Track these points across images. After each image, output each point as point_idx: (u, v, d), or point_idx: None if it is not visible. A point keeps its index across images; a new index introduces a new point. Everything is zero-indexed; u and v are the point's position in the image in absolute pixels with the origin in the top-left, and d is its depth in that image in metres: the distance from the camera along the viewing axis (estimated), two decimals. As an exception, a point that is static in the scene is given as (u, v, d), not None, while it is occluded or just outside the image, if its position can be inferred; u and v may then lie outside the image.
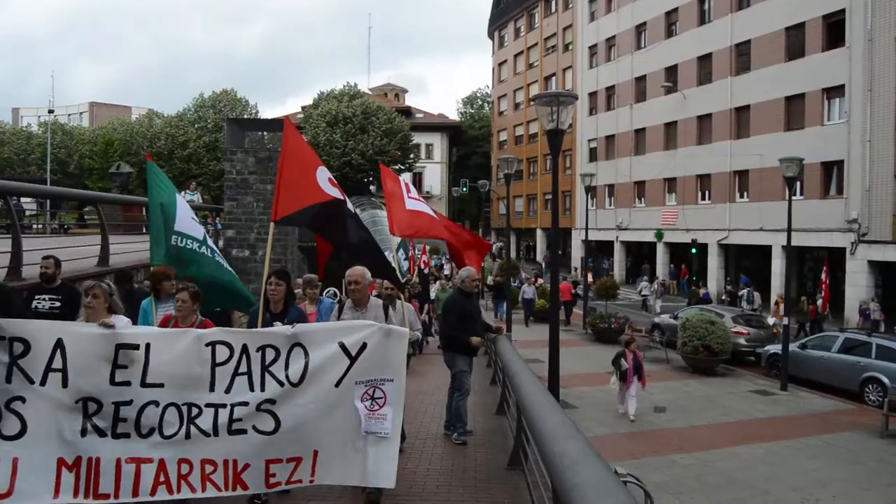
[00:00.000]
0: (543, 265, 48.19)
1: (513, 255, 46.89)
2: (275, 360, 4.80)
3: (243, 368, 4.78)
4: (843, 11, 27.95)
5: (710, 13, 36.26)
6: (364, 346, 4.85)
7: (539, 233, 56.60)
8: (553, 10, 53.99)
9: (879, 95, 26.17)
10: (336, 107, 52.84)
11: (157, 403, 4.68)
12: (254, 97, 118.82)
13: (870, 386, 16.03)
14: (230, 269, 6.96)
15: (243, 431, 4.69)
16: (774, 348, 19.01)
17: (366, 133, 52.22)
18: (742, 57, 33.84)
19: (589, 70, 47.75)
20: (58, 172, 56.14)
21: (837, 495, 10.07)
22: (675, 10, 38.87)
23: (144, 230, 17.56)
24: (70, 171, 58.62)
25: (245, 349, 4.80)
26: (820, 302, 25.06)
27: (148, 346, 4.73)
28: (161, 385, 4.71)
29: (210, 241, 6.81)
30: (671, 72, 38.88)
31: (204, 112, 55.40)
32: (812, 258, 32.36)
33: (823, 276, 25.71)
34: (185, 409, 4.71)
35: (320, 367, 4.80)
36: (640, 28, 42.29)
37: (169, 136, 53.38)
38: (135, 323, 5.90)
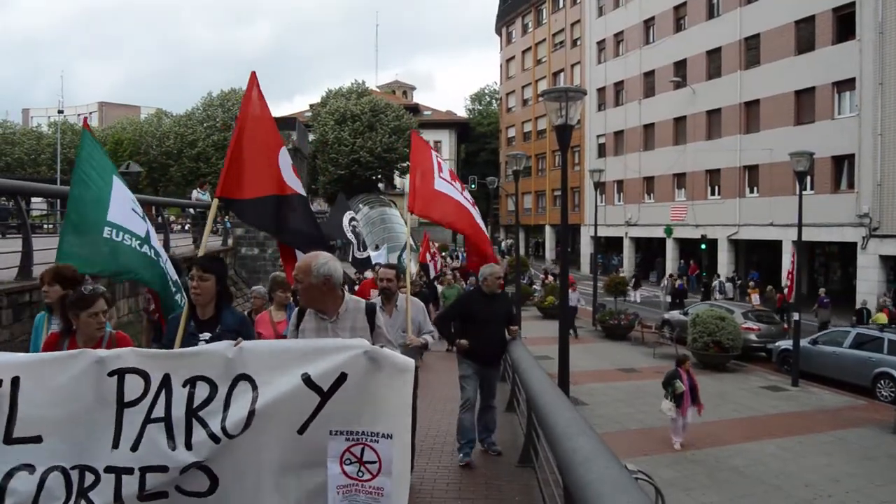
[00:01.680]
0: (549, 262, 48.09)
1: (522, 251, 46.77)
2: (208, 401, 3.21)
3: (159, 412, 3.20)
4: (853, 4, 27.75)
5: (719, 7, 36.07)
6: (342, 378, 3.18)
7: (548, 229, 56.52)
8: (561, 5, 53.83)
9: (890, 88, 25.98)
10: (344, 105, 52.91)
11: (31, 469, 3.12)
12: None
13: (882, 381, 15.94)
14: (176, 278, 5.58)
15: (162, 496, 3.18)
16: (785, 344, 18.92)
17: (374, 131, 52.29)
18: (751, 51, 33.65)
19: (597, 65, 47.60)
20: (68, 172, 56.33)
21: (850, 491, 10.02)
22: (684, 4, 38.69)
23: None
24: (80, 170, 58.85)
25: (167, 382, 3.25)
26: (786, 291, 25.08)
27: (15, 381, 3.17)
28: (37, 439, 3.16)
29: (155, 241, 5.49)
30: (680, 66, 38.71)
31: (212, 111, 55.59)
32: (823, 253, 32.19)
33: (791, 266, 25.32)
34: (74, 475, 3.14)
35: (274, 411, 3.18)
36: (648, 23, 42.11)
37: (178, 135, 53.61)
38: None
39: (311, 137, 53.23)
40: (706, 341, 18.61)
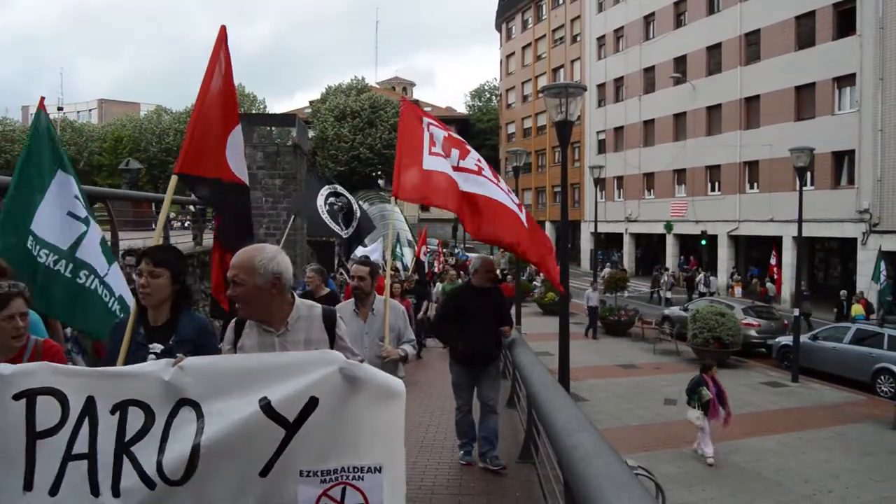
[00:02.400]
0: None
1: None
2: (142, 433, 2.53)
3: (82, 446, 2.52)
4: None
5: (719, 2, 36.02)
6: (312, 403, 2.49)
7: (548, 225, 56.41)
8: (561, 1, 53.73)
9: (891, 84, 25.95)
10: (344, 101, 52.90)
11: None
12: (261, 92, 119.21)
13: (882, 377, 15.96)
14: (122, 293, 4.69)
15: None
16: (786, 340, 18.94)
17: (374, 127, 52.29)
18: (751, 46, 33.61)
19: (597, 61, 47.54)
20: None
21: (850, 487, 10.03)
22: None
23: (153, 226, 17.61)
24: (80, 167, 58.85)
25: (91, 408, 2.56)
26: (770, 284, 29.46)
27: None
28: None
29: (88, 252, 4.56)
30: (680, 62, 38.67)
31: (212, 107, 55.48)
32: (823, 249, 32.19)
33: (773, 260, 30.04)
34: None
35: (225, 447, 2.49)
36: (648, 18, 42.06)
37: (178, 131, 53.57)
38: None
39: (310, 134, 53.18)
40: (706, 337, 18.61)
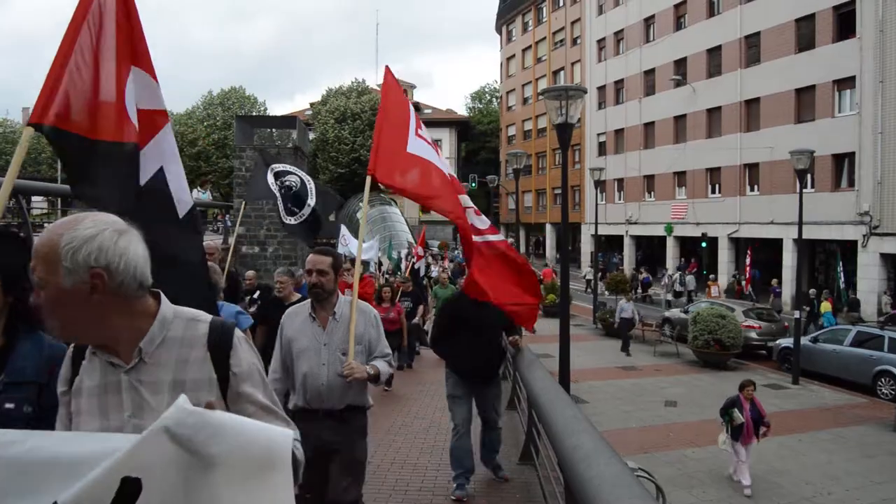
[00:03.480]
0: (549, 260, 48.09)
1: (522, 250, 46.79)
2: None
3: None
4: (853, 2, 27.72)
5: (719, 5, 36.04)
6: (129, 490, 1.33)
7: (549, 228, 56.50)
8: (561, 3, 53.80)
9: (891, 86, 25.95)
10: (344, 103, 52.94)
11: None
12: (262, 94, 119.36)
13: (882, 379, 15.96)
14: None
15: None
16: (786, 342, 18.93)
17: (374, 129, 52.28)
18: (751, 49, 33.62)
19: (597, 64, 47.56)
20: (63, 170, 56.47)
21: (850, 489, 10.03)
22: (684, 2, 38.65)
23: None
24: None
25: None
26: (744, 283, 30.83)
27: None
28: None
29: None
30: (680, 65, 38.69)
31: (213, 110, 55.63)
32: (824, 251, 32.18)
33: (748, 260, 30.98)
34: None
35: None
36: (648, 21, 42.08)
37: (178, 133, 53.55)
38: None
39: (311, 136, 53.28)
40: (707, 339, 18.62)
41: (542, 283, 25.45)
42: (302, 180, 9.05)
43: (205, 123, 54.54)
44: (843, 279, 24.05)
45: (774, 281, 29.17)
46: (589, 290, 32.54)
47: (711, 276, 34.29)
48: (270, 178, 8.90)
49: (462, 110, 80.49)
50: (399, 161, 4.77)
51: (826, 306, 23.84)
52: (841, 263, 23.79)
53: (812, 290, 26.22)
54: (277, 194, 8.79)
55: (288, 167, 9.25)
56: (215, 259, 6.30)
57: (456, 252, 48.65)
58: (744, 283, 30.73)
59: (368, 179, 4.45)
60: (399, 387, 11.58)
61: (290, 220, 8.79)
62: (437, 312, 7.95)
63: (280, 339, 4.18)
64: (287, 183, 8.85)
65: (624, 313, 21.37)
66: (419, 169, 4.87)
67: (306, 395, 4.00)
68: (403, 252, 26.93)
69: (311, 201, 8.79)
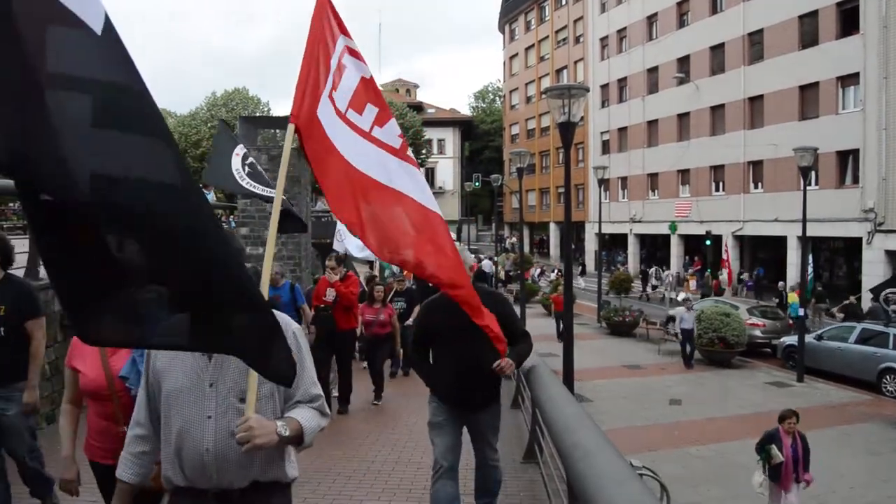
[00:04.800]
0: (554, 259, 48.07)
1: (526, 249, 46.80)
2: None
3: None
4: (857, -2, 27.69)
5: (722, 2, 36.00)
6: None
7: (552, 226, 56.50)
8: (563, 2, 53.78)
9: (895, 82, 25.89)
10: (347, 103, 52.91)
11: None
12: (265, 95, 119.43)
13: (887, 377, 15.92)
14: None
15: None
16: (791, 340, 18.91)
17: (377, 129, 52.30)
18: (755, 46, 33.58)
19: (600, 62, 47.54)
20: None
21: (855, 486, 10.02)
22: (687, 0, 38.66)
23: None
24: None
25: None
26: (724, 277, 31.20)
27: None
28: None
29: None
30: (683, 62, 38.65)
31: (216, 111, 55.68)
32: (828, 248, 32.13)
33: (725, 255, 31.81)
34: None
35: None
36: (651, 19, 42.05)
37: (182, 134, 53.65)
38: None
39: (314, 136, 53.30)
40: (711, 337, 18.61)
41: (552, 307, 23.75)
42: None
43: (208, 125, 54.56)
44: (811, 272, 24.53)
45: (746, 275, 31.51)
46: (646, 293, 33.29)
47: (690, 271, 35.79)
48: (237, 163, 7.86)
49: (465, 109, 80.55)
50: (313, 121, 3.18)
51: (793, 297, 24.46)
52: (811, 256, 24.29)
53: (781, 283, 28.27)
54: (244, 179, 7.86)
55: (258, 170, 8.26)
56: None
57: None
58: (722, 277, 31.58)
59: (291, 128, 2.96)
60: (391, 397, 10.48)
61: (259, 189, 7.89)
62: (414, 320, 6.27)
63: (147, 369, 2.59)
64: (259, 166, 8.25)
65: (684, 323, 18.73)
66: (325, 139, 3.23)
67: (184, 466, 2.43)
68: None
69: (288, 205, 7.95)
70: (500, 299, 4.97)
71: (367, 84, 3.61)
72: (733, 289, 32.26)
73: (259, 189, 7.87)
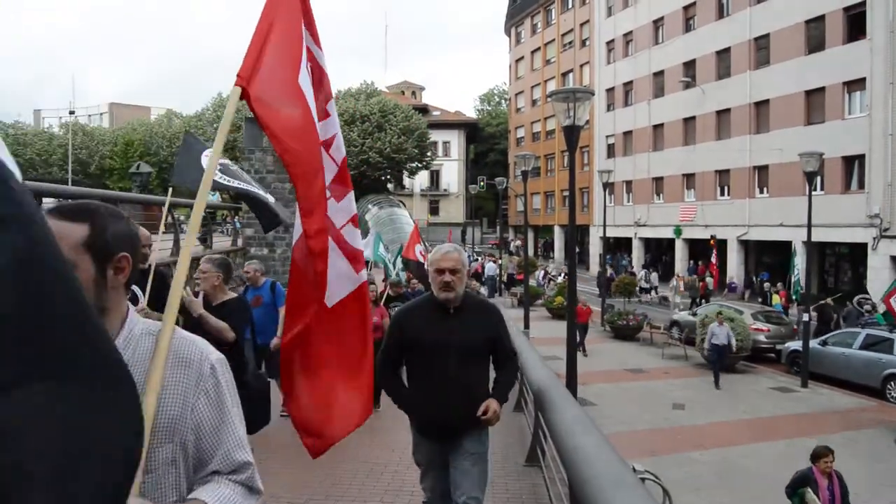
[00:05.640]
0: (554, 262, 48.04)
1: (531, 252, 46.80)
2: None
3: None
4: (863, 3, 27.60)
5: (729, 7, 35.97)
6: None
7: (557, 229, 56.46)
8: (570, 5, 53.79)
9: (901, 88, 25.83)
10: (353, 105, 53.05)
11: None
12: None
13: (892, 383, 15.85)
14: None
15: None
16: (795, 345, 18.86)
17: (383, 131, 52.43)
18: (761, 51, 33.52)
19: (606, 66, 47.51)
20: (79, 173, 56.89)
21: (859, 492, 9.97)
22: (693, 4, 38.58)
23: (164, 229, 17.75)
24: (91, 171, 59.37)
25: None
26: (710, 280, 31.76)
27: None
28: None
29: None
30: (689, 66, 38.61)
31: (223, 112, 55.88)
32: (833, 254, 32.05)
33: (713, 259, 32.05)
34: None
35: None
36: (657, 23, 42.02)
37: (188, 135, 53.88)
38: None
39: (320, 138, 53.37)
40: (715, 342, 18.54)
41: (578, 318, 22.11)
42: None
43: (214, 125, 54.75)
44: (798, 272, 25.77)
45: (731, 276, 32.61)
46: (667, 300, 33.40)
47: (679, 274, 36.34)
48: (205, 162, 7.06)
49: (471, 112, 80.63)
50: (286, 89, 2.83)
51: (776, 299, 26.82)
52: (796, 258, 25.71)
53: (766, 284, 29.30)
54: (216, 177, 6.72)
55: (237, 172, 7.79)
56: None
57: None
58: (709, 279, 32.07)
59: (236, 91, 2.51)
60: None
61: (266, 197, 7.42)
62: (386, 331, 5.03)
63: None
64: (234, 167, 7.77)
65: (716, 339, 17.28)
66: (301, 111, 2.86)
67: None
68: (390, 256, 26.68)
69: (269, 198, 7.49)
70: (492, 311, 4.21)
71: (319, 69, 3.27)
72: (719, 291, 32.84)
73: (235, 183, 7.33)
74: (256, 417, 4.89)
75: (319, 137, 3.03)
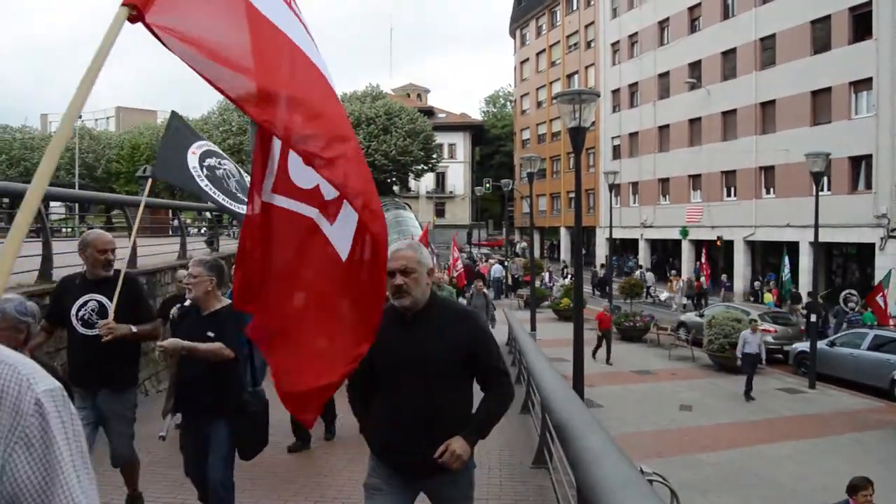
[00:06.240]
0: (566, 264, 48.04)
1: (537, 253, 46.77)
2: None
3: None
4: (869, 3, 27.52)
5: (734, 7, 35.90)
6: None
7: (563, 231, 56.41)
8: (575, 7, 53.79)
9: (908, 88, 25.75)
10: (359, 108, 53.11)
11: None
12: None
13: (901, 383, 15.81)
14: None
15: None
16: (802, 346, 18.82)
17: (389, 134, 52.48)
18: (767, 51, 33.45)
19: (612, 67, 47.49)
20: (86, 177, 57.12)
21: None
22: (698, 4, 38.53)
23: (171, 232, 17.81)
24: (97, 175, 59.59)
25: None
26: (703, 279, 33.13)
27: None
28: None
29: None
30: (695, 67, 38.55)
31: (228, 115, 55.95)
32: (841, 254, 31.94)
33: (703, 258, 34.02)
34: None
35: None
36: (662, 24, 41.98)
37: (194, 139, 54.00)
38: None
39: (325, 141, 53.42)
40: (722, 343, 18.54)
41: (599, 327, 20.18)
42: (237, 170, 7.34)
43: (220, 129, 54.86)
44: (786, 273, 27.71)
45: (724, 276, 33.77)
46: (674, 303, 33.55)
47: (673, 272, 37.42)
48: (193, 161, 6.77)
49: (476, 114, 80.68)
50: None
51: (768, 297, 28.56)
52: (787, 258, 27.40)
53: (757, 283, 30.60)
54: (202, 180, 6.76)
55: (212, 146, 7.31)
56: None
57: (479, 255, 48.49)
58: (703, 278, 33.27)
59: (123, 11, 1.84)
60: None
61: (221, 198, 6.92)
62: None
63: None
64: (224, 169, 7.16)
65: (748, 347, 16.39)
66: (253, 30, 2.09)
67: None
68: None
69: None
70: (468, 319, 3.34)
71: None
72: (711, 289, 34.10)
73: (220, 198, 6.87)
74: (253, 441, 4.60)
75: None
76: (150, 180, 6.34)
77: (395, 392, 3.17)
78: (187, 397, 4.51)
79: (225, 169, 7.08)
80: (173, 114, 6.89)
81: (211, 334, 4.27)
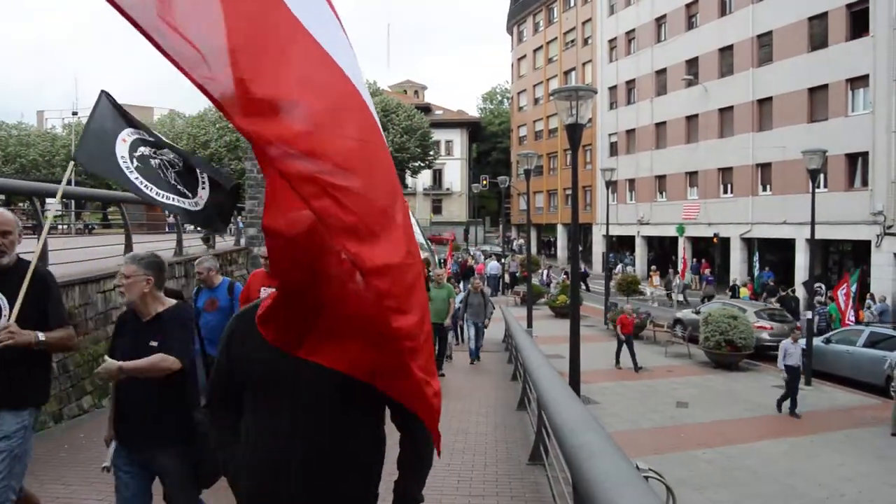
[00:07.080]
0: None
1: (533, 250, 46.77)
2: None
3: None
4: (866, 0, 27.56)
5: (731, 4, 35.90)
6: None
7: (560, 228, 56.44)
8: (572, 4, 53.76)
9: (905, 85, 25.77)
10: (355, 104, 53.11)
11: None
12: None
13: (896, 380, 15.84)
14: None
15: None
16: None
17: (386, 131, 52.39)
18: (764, 48, 33.47)
19: (609, 64, 47.49)
20: (81, 174, 56.87)
21: (863, 490, 9.97)
22: (696, 1, 38.53)
23: (167, 229, 17.81)
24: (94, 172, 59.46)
25: None
26: (680, 274, 33.86)
27: None
28: None
29: None
30: (692, 64, 38.56)
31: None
32: (837, 251, 32.00)
33: (682, 254, 35.21)
34: None
35: None
36: (659, 21, 41.98)
37: (191, 136, 53.90)
38: None
39: (322, 137, 53.30)
40: (718, 340, 18.55)
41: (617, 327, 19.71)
42: (183, 157, 6.35)
43: (217, 125, 54.76)
44: (757, 268, 29.04)
45: (707, 270, 34.54)
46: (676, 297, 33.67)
47: (652, 268, 38.40)
48: (123, 150, 5.82)
49: (473, 111, 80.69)
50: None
51: (744, 292, 29.13)
52: (757, 254, 28.67)
53: (734, 278, 31.50)
54: (132, 172, 5.87)
55: (154, 137, 6.29)
56: None
57: (476, 254, 48.46)
58: (679, 274, 34.11)
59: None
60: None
61: (194, 202, 6.13)
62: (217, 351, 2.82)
63: None
64: (162, 159, 6.26)
65: (790, 359, 14.47)
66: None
67: None
68: None
69: (203, 177, 6.22)
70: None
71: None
72: (689, 282, 35.29)
73: (153, 192, 5.87)
74: (211, 467, 3.48)
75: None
76: (70, 163, 5.32)
77: (274, 419, 2.20)
78: (126, 426, 3.63)
79: (162, 159, 6.08)
80: (102, 93, 5.82)
81: (154, 344, 3.50)
